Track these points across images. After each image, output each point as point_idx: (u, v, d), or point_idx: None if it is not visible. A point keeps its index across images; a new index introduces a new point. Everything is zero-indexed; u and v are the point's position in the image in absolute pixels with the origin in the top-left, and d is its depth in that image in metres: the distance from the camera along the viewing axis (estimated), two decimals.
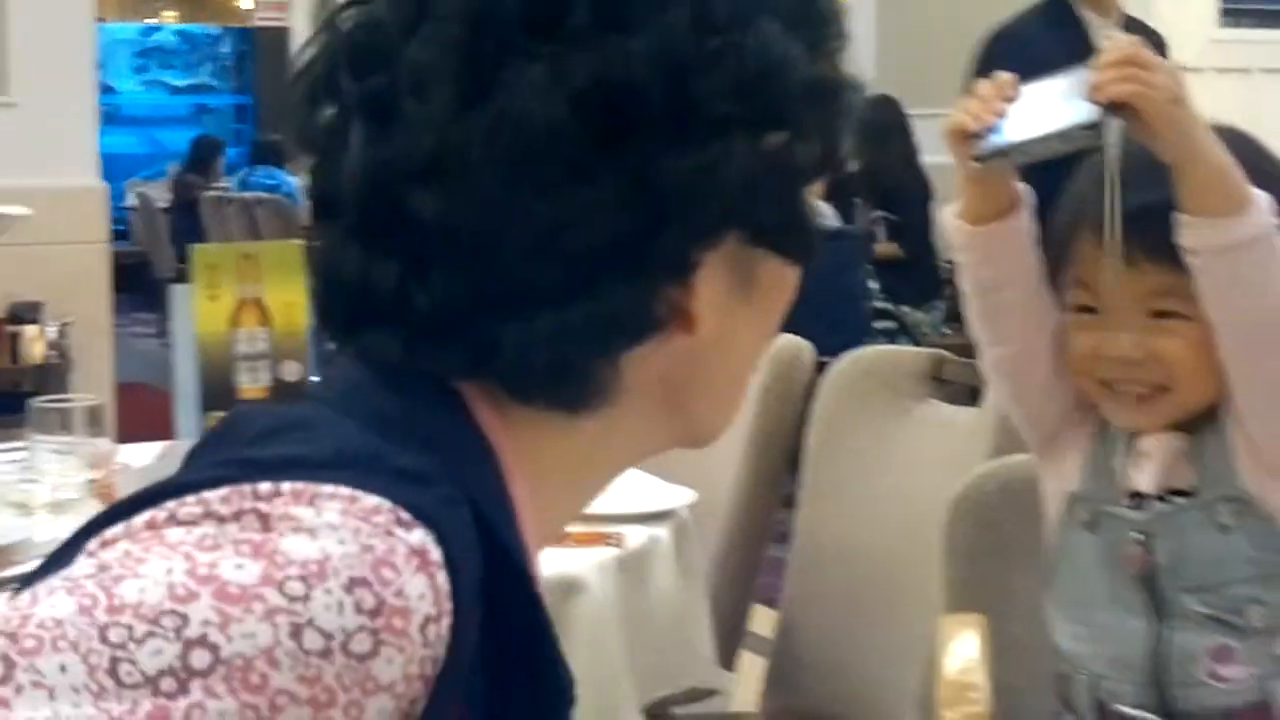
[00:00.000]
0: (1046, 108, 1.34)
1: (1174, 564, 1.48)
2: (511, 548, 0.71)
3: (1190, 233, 1.36)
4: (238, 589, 0.62)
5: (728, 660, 2.46)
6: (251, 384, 1.98)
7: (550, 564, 1.86)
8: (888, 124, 6.33)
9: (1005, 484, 1.71)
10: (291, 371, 1.99)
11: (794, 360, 2.51)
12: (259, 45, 13.49)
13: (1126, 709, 1.50)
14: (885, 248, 6.08)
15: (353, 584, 0.63)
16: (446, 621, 0.66)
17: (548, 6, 0.69)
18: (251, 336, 1.97)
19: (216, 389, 1.98)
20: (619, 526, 1.99)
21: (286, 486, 0.66)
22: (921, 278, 6.23)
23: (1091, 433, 1.53)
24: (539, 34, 0.69)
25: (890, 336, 5.76)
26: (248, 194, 9.14)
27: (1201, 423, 1.48)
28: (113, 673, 0.60)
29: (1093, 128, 1.31)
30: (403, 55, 0.70)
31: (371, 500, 0.65)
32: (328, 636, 0.63)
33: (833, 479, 2.34)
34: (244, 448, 0.70)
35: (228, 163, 10.71)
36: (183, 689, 0.60)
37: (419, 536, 0.65)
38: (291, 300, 1.97)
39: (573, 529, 2.03)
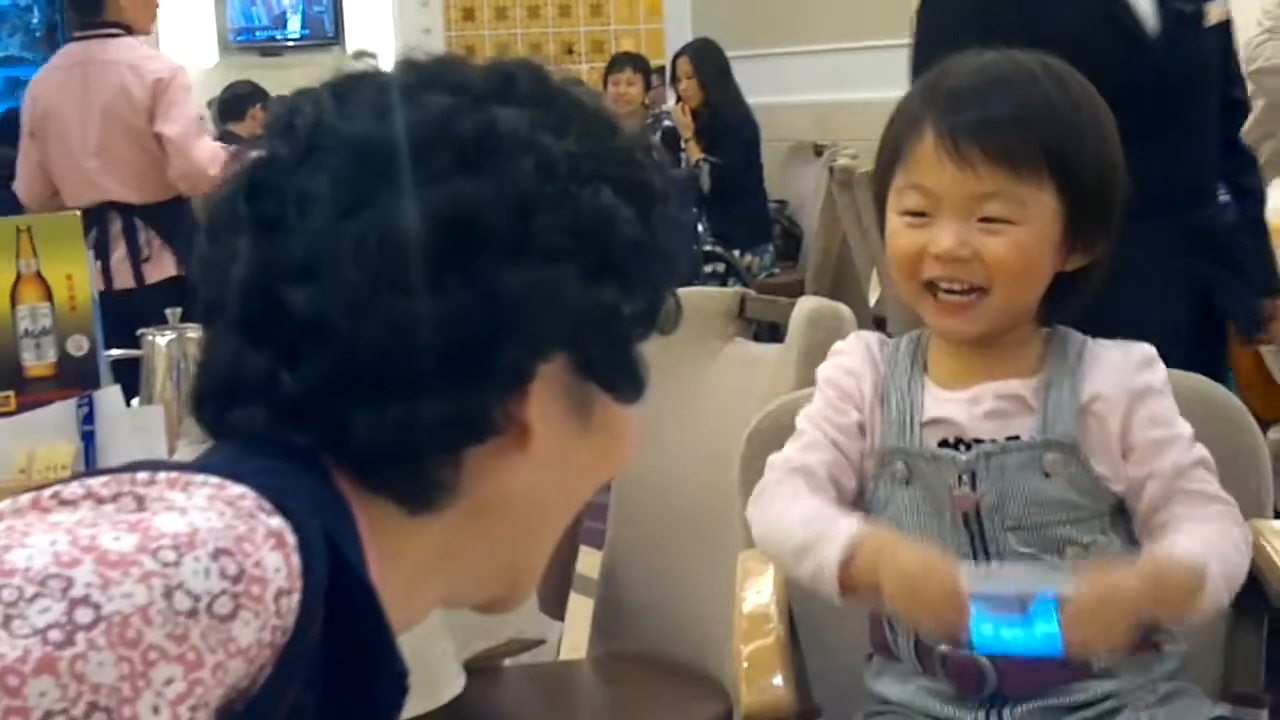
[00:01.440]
0: (1010, 614, 1.41)
1: (998, 503, 1.52)
2: (359, 566, 0.79)
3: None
4: (117, 556, 0.69)
5: (559, 608, 2.46)
6: (37, 361, 1.93)
7: None
8: (715, 66, 6.35)
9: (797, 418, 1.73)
10: (78, 346, 1.94)
11: None
12: (69, 15, 13.09)
13: (948, 649, 1.54)
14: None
15: (218, 553, 0.71)
16: (297, 598, 0.73)
17: (417, 150, 0.82)
18: (34, 312, 1.92)
19: (1, 367, 1.93)
20: None
21: (161, 475, 0.75)
22: (752, 221, 6.27)
23: (881, 393, 1.57)
24: (406, 167, 0.82)
25: (720, 279, 5.80)
26: None
27: (1054, 370, 1.56)
28: (5, 625, 0.67)
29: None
30: (291, 181, 0.82)
31: (237, 489, 0.75)
32: (195, 598, 0.70)
33: (646, 421, 2.34)
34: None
35: None
36: (69, 640, 0.67)
37: (277, 522, 0.74)
38: (72, 272, 1.92)
39: None
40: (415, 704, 1.82)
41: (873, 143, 1.61)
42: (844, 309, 2.18)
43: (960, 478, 1.52)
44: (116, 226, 4.17)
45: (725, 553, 1.88)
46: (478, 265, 0.81)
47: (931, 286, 1.52)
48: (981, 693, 1.53)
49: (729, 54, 6.41)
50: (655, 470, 2.35)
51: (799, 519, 1.52)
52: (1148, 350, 1.58)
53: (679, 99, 6.45)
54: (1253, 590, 1.59)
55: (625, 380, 0.88)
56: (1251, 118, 3.02)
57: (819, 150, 6.41)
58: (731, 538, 1.87)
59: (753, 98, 6.44)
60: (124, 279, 4.14)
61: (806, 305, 2.19)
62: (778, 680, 1.55)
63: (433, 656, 1.85)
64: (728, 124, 6.25)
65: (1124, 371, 1.56)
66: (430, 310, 0.80)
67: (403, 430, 0.80)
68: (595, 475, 0.91)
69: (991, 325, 1.53)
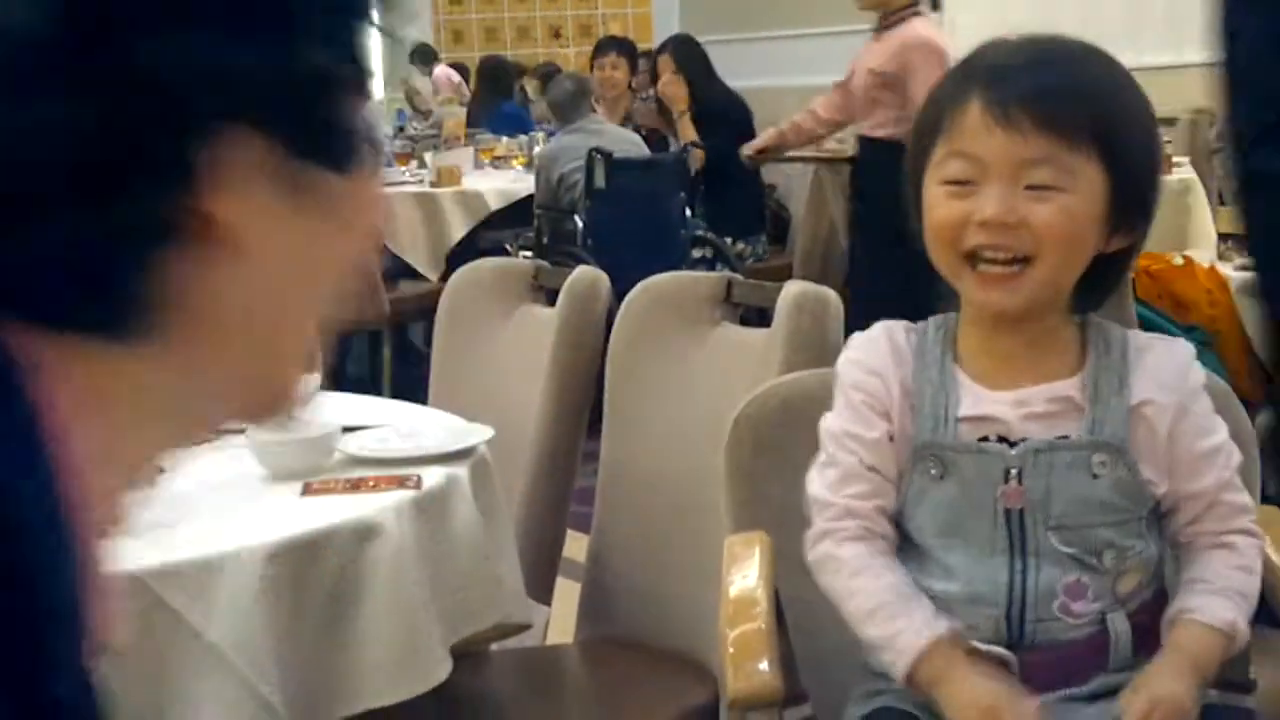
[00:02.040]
0: None
1: (1043, 500, 1.51)
2: (19, 463, 0.66)
3: None
4: None
5: (546, 592, 2.46)
6: None
7: (347, 508, 1.86)
8: (696, 58, 6.35)
9: (785, 401, 1.73)
10: None
11: (591, 291, 2.51)
12: None
13: (978, 644, 1.52)
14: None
15: None
16: None
17: None
18: None
19: None
20: (416, 468, 1.97)
21: None
22: (746, 208, 6.25)
23: (911, 387, 1.55)
24: None
25: (709, 264, 5.78)
26: None
27: (1099, 367, 1.54)
28: None
29: None
30: None
31: None
32: None
33: (633, 406, 2.35)
34: None
35: None
36: None
37: None
38: None
39: (369, 473, 2.00)
40: (402, 689, 1.83)
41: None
42: (830, 293, 2.18)
43: (1008, 473, 1.51)
44: None
45: (712, 537, 1.88)
46: (105, 47, 0.69)
47: (972, 259, 1.50)
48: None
49: (715, 38, 6.41)
50: (642, 454, 2.35)
51: (869, 609, 1.53)
52: (1189, 348, 1.58)
53: (657, 99, 6.45)
54: None
55: (335, 147, 0.76)
56: None
57: None
58: (718, 522, 1.86)
59: (740, 81, 6.43)
60: None
61: (793, 289, 2.18)
62: (764, 665, 1.55)
63: (419, 641, 1.85)
64: (716, 110, 6.24)
65: (1171, 373, 1.55)
66: (53, 110, 0.68)
67: (57, 254, 0.69)
68: (346, 253, 0.79)
69: (1032, 299, 1.50)
